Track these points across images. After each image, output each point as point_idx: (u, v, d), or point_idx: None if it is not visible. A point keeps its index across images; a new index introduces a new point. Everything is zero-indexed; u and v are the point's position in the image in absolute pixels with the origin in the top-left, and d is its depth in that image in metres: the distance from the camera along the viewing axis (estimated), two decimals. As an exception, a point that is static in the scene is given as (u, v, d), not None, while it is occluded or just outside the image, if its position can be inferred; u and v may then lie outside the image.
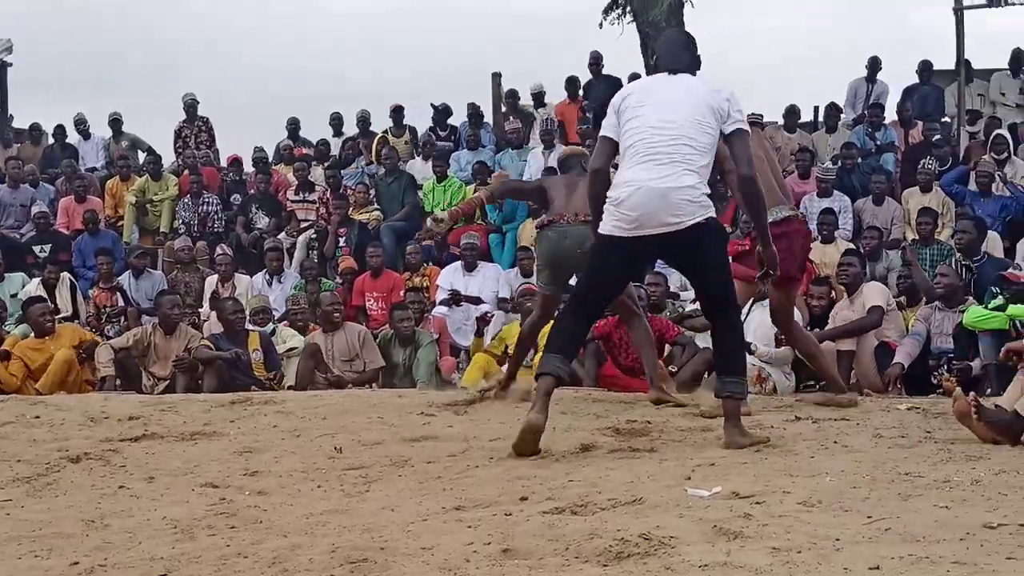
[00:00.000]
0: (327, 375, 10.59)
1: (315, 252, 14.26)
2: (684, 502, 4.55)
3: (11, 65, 21.09)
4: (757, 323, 9.65)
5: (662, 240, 5.91)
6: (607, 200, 6.00)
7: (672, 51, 6.27)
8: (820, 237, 12.35)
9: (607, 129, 6.14)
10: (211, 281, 13.38)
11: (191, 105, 17.15)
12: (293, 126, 17.86)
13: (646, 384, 9.06)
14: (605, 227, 6.02)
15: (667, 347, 9.84)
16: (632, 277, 5.94)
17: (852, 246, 11.96)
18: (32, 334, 11.29)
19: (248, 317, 11.41)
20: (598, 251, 6.20)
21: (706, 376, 8.92)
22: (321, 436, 6.63)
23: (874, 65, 16.81)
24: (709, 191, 5.95)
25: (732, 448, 5.81)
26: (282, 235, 14.64)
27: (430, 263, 13.61)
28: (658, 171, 5.85)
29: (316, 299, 12.06)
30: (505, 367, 10.28)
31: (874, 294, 9.98)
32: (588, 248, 7.26)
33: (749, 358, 9.20)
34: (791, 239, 7.45)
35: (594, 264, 6.24)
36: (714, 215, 5.95)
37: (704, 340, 10.19)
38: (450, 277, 13.02)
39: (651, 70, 6.16)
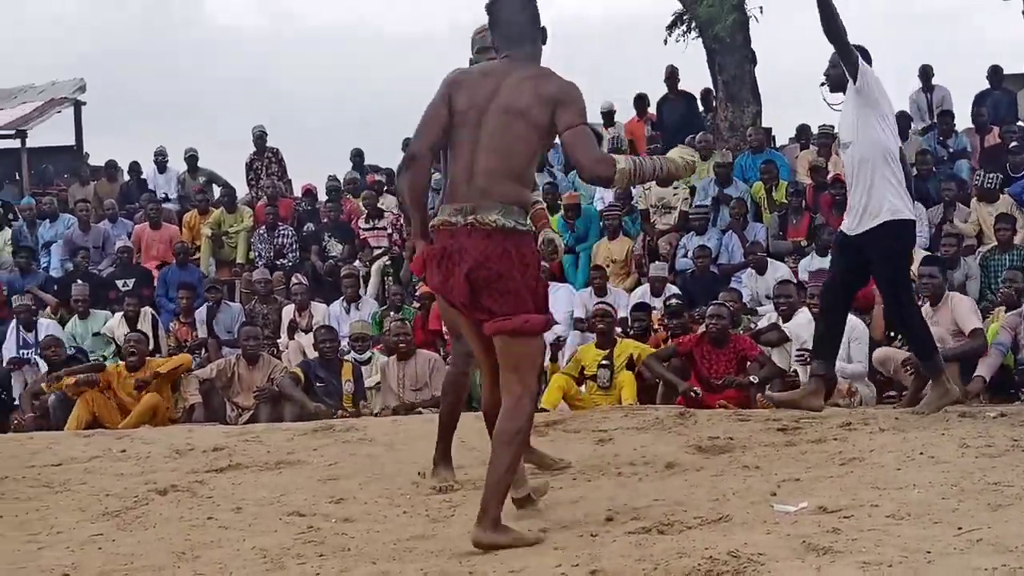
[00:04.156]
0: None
1: (390, 278, 14.31)
2: (771, 518, 4.53)
3: (85, 104, 21.54)
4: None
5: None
6: None
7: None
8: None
9: None
10: (287, 311, 13.46)
11: (260, 137, 17.24)
12: (358, 157, 17.99)
13: (727, 397, 9.05)
14: None
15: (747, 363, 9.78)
16: None
17: (928, 254, 11.74)
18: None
19: (349, 342, 11.52)
20: None
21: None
22: (403, 462, 6.67)
23: (926, 73, 16.66)
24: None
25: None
26: (357, 262, 14.68)
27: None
28: None
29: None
30: (583, 387, 10.28)
31: (966, 312, 9.19)
32: None
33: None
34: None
35: None
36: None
37: (779, 355, 10.15)
38: (523, 299, 12.99)
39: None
